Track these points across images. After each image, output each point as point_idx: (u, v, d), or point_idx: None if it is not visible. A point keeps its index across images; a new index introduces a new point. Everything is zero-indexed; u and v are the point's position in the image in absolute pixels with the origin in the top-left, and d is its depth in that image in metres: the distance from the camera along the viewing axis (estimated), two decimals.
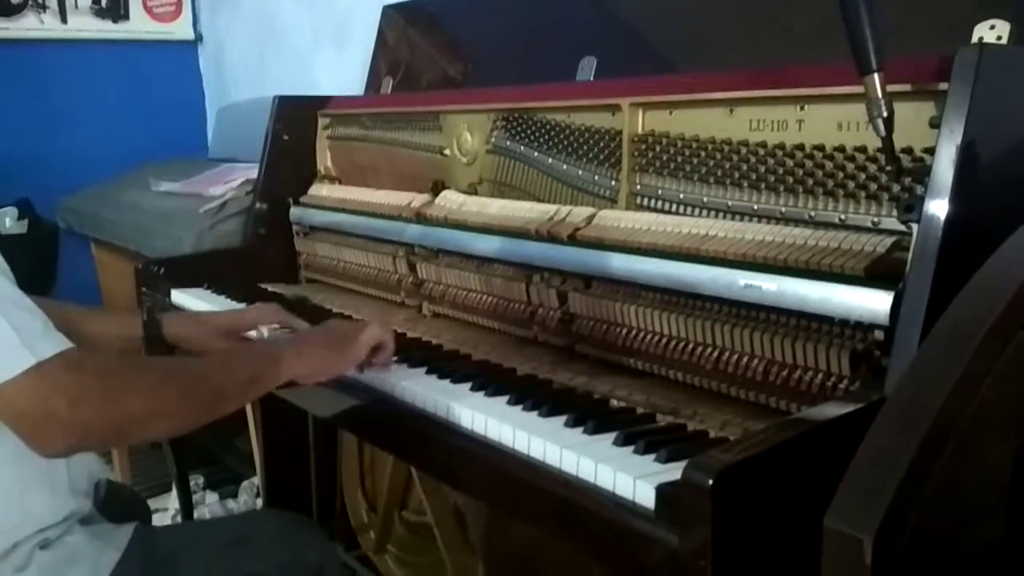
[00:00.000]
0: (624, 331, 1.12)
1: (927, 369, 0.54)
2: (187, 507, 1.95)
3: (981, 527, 0.55)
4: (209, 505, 2.42)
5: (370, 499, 2.00)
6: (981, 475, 0.54)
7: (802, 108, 1.01)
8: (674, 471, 0.76)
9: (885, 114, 0.86)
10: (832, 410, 0.78)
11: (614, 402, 1.01)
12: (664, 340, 1.07)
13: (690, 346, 1.04)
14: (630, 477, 0.77)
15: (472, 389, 1.04)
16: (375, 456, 1.96)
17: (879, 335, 0.86)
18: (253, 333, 1.32)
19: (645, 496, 0.76)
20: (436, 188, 1.50)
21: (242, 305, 1.56)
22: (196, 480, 2.44)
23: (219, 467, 2.51)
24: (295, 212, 1.82)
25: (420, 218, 1.48)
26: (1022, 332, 0.55)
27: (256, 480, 2.31)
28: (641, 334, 1.10)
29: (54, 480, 1.02)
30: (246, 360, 1.03)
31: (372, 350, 1.12)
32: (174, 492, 2.24)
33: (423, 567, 1.81)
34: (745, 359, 0.98)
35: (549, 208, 1.28)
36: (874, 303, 0.85)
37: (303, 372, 1.05)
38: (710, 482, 0.67)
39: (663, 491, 0.74)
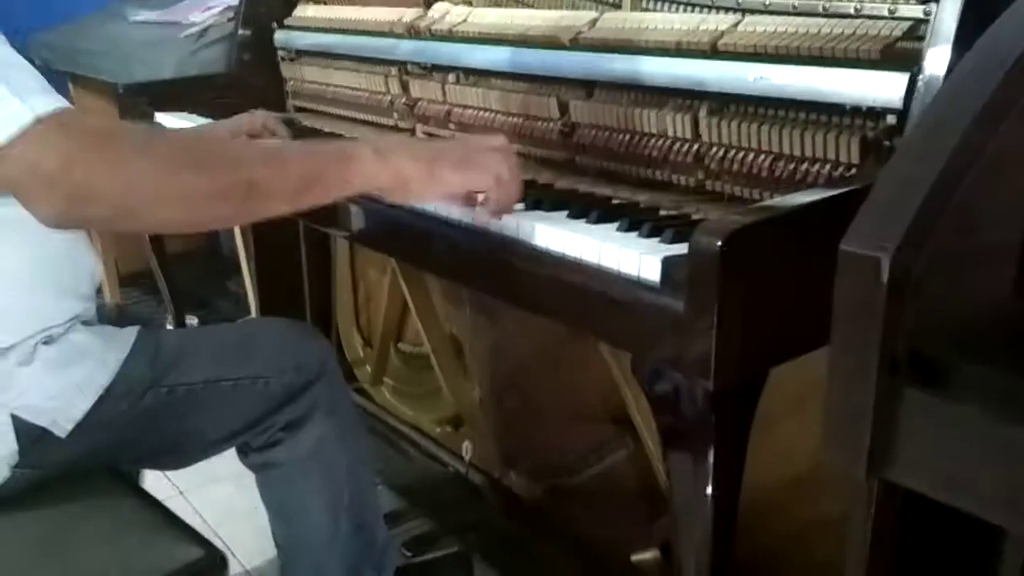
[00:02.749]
0: (627, 138, 1.10)
1: (951, 98, 0.53)
2: None
3: (993, 266, 0.55)
4: None
5: (365, 335, 2.02)
6: (998, 211, 0.53)
7: None
8: (679, 249, 0.76)
9: None
10: (841, 187, 0.78)
11: (617, 201, 1.00)
12: (668, 143, 1.05)
13: (695, 147, 1.02)
14: (636, 254, 0.77)
15: None
16: (369, 291, 1.97)
17: (891, 120, 0.84)
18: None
19: (651, 270, 0.76)
20: (428, 1, 1.44)
21: None
22: (190, 322, 2.46)
23: (211, 310, 2.53)
24: (280, 36, 1.74)
25: (412, 33, 1.42)
26: None
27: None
28: (645, 139, 1.08)
29: (60, 281, 1.01)
30: (307, 155, 0.86)
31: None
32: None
33: (420, 396, 1.86)
34: (751, 155, 0.96)
35: (549, 14, 1.23)
36: (888, 87, 0.83)
37: (384, 182, 0.85)
38: (719, 243, 0.67)
39: (669, 262, 0.74)
